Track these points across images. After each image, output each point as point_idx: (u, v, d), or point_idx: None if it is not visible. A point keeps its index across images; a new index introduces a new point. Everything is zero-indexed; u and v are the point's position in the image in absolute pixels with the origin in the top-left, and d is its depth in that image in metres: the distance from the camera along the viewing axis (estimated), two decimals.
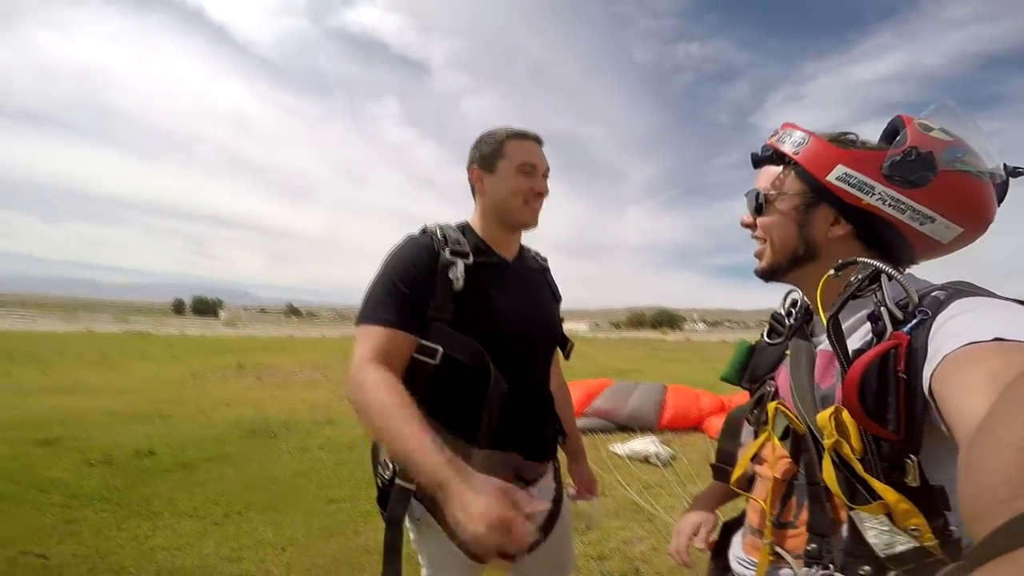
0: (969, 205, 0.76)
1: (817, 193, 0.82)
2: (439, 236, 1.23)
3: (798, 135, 0.85)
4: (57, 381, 9.36)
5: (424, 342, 1.15)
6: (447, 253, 1.20)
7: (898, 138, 0.77)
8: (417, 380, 1.16)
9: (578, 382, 6.99)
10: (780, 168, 0.87)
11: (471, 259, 1.22)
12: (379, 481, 1.22)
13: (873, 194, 0.77)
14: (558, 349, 1.51)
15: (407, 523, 1.21)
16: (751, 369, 1.04)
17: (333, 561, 2.87)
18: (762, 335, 1.05)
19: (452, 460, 0.90)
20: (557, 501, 1.41)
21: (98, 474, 4.18)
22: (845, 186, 0.78)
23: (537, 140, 1.34)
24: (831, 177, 0.79)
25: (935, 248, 0.80)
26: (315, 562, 2.86)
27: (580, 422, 5.87)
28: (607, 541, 3.15)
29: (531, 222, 1.33)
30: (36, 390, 8.24)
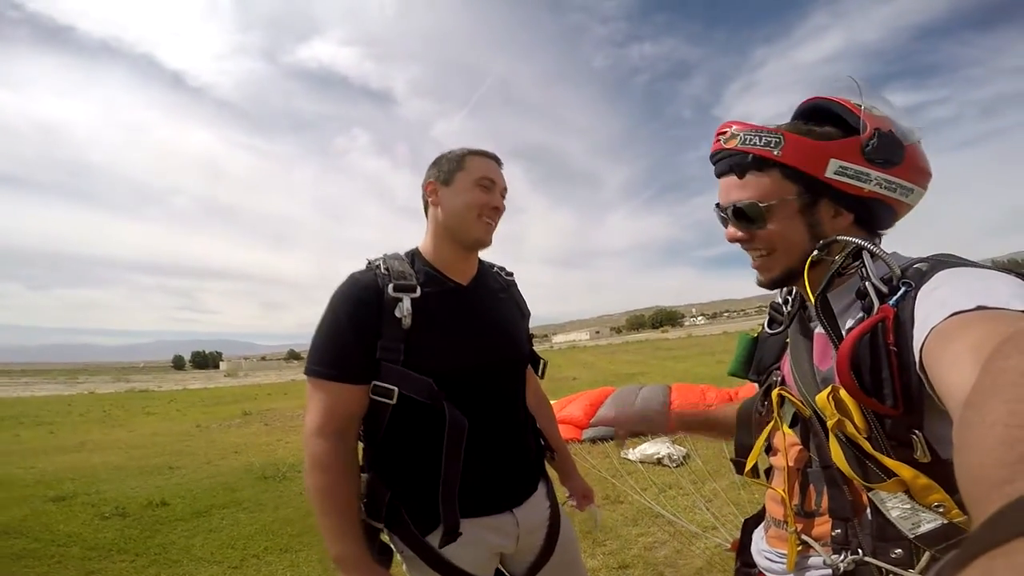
0: (926, 169, 0.82)
1: (814, 190, 0.80)
2: (383, 271, 1.18)
3: (769, 134, 0.81)
4: (65, 441, 9.37)
5: (379, 383, 1.12)
6: (391, 290, 1.14)
7: (861, 123, 0.79)
8: (377, 420, 1.16)
9: (580, 394, 7.02)
10: (762, 174, 0.82)
11: (418, 292, 1.17)
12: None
13: (870, 181, 0.78)
14: (531, 367, 1.46)
15: (398, 557, 1.21)
16: (757, 361, 1.03)
17: None
18: (763, 326, 1.05)
19: (357, 553, 1.10)
20: (553, 520, 1.35)
21: (113, 526, 4.18)
22: (844, 179, 0.78)
23: (497, 160, 1.31)
24: (829, 173, 0.78)
25: (904, 212, 0.84)
26: None
27: (588, 432, 5.87)
28: (628, 549, 3.10)
29: (485, 239, 1.27)
30: (46, 450, 8.27)
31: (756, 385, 1.05)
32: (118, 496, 5.03)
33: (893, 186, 0.78)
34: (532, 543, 1.30)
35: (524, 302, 1.46)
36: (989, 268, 0.64)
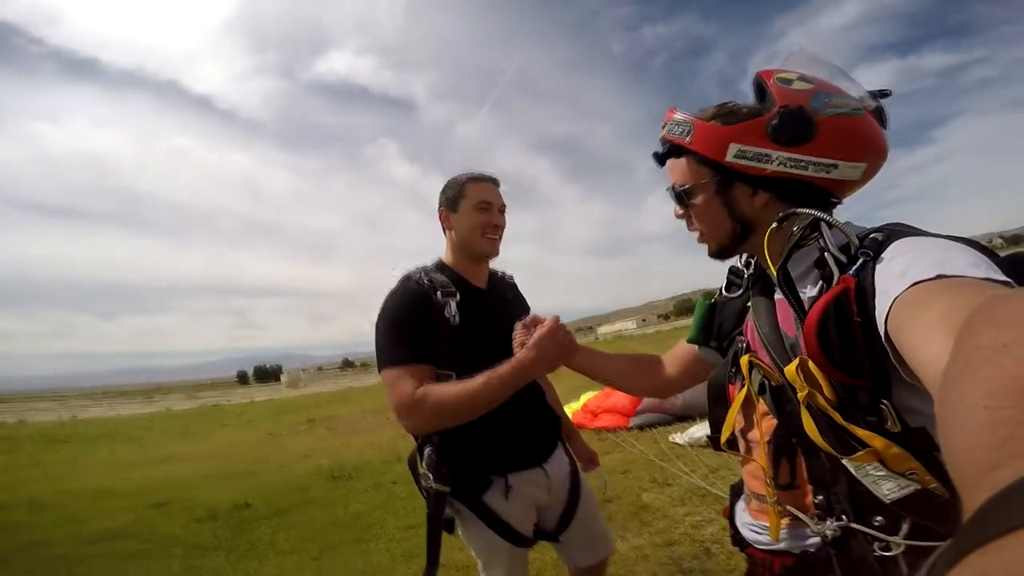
0: (858, 142, 0.78)
1: (724, 174, 0.83)
2: (426, 281, 1.40)
3: (683, 122, 0.85)
4: (153, 454, 10.20)
5: (440, 371, 1.34)
6: (439, 295, 1.38)
7: (765, 101, 0.80)
8: None
9: None
10: (683, 160, 0.88)
11: (459, 296, 1.40)
12: (424, 492, 1.43)
13: (771, 161, 0.78)
14: None
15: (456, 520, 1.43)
16: (717, 326, 1.03)
17: None
18: (720, 290, 1.04)
19: (508, 363, 1.23)
20: (573, 473, 1.62)
21: (207, 527, 4.64)
22: (744, 161, 0.79)
23: (493, 181, 1.53)
24: (729, 157, 0.80)
25: (851, 186, 0.82)
26: None
27: (636, 419, 5.97)
28: (675, 528, 3.17)
29: (491, 251, 1.52)
30: (139, 463, 9.05)
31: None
32: (207, 500, 5.53)
33: (803, 164, 0.77)
34: (560, 495, 1.56)
35: (525, 299, 1.74)
36: (943, 237, 0.64)
